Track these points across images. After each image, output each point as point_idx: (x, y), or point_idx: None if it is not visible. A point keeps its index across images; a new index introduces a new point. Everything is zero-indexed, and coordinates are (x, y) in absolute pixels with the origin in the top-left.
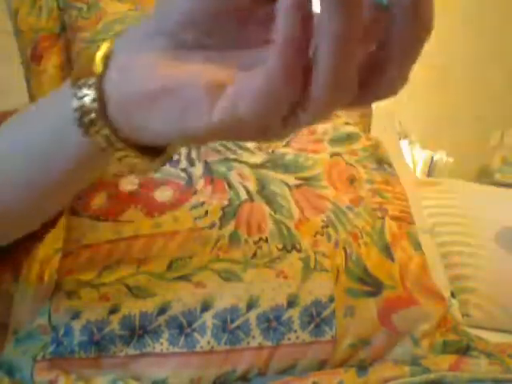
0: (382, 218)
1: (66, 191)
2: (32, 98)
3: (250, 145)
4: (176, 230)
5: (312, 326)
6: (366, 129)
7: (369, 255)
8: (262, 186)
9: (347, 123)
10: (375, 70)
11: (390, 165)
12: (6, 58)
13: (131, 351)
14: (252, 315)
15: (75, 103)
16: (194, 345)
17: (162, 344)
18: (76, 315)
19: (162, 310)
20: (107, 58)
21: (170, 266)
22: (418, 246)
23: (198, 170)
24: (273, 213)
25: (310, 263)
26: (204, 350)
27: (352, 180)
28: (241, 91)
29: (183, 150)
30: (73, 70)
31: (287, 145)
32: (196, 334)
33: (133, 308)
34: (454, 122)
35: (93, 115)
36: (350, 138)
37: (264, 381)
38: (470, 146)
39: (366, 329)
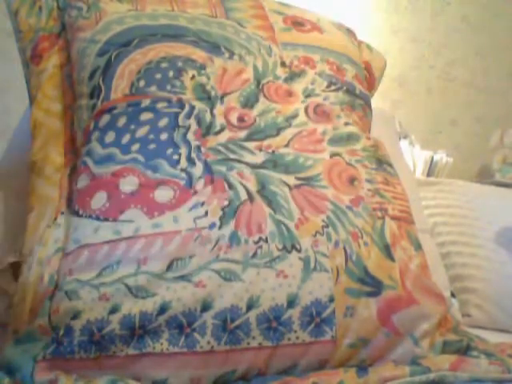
0: (382, 217)
1: None
2: (32, 97)
3: (251, 145)
4: (176, 230)
5: (312, 326)
6: (366, 129)
7: (369, 255)
8: (262, 186)
9: (347, 123)
10: None
11: (390, 165)
12: (5, 58)
13: (131, 351)
14: (252, 315)
15: None
16: (194, 345)
17: (162, 344)
18: (76, 315)
19: (162, 310)
20: None
21: (170, 266)
22: (418, 246)
23: (198, 169)
24: (273, 213)
25: (310, 263)
26: (204, 350)
27: (352, 180)
28: None
29: (183, 150)
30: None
31: (287, 145)
32: (196, 334)
33: (133, 308)
34: (453, 122)
35: None
36: (350, 138)
37: (264, 381)
38: (469, 146)
39: (366, 329)
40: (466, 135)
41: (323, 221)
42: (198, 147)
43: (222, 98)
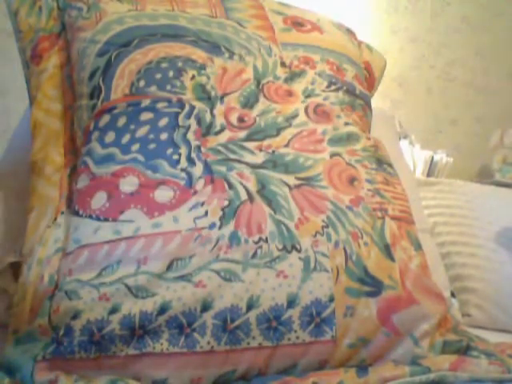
0: (382, 218)
1: None
2: (32, 97)
3: (251, 145)
4: (176, 230)
5: (312, 325)
6: (366, 129)
7: (369, 255)
8: (262, 186)
9: (347, 123)
10: None
11: (390, 165)
12: (5, 58)
13: (131, 351)
14: (252, 315)
15: None
16: (194, 345)
17: (162, 344)
18: (76, 315)
19: (162, 310)
20: None
21: (170, 266)
22: (418, 246)
23: (198, 169)
24: (273, 213)
25: (310, 263)
26: (204, 350)
27: (352, 180)
28: None
29: (183, 150)
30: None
31: (287, 145)
32: (196, 334)
33: (133, 308)
34: (453, 122)
35: None
36: (350, 138)
37: (264, 381)
38: (470, 146)
39: (366, 329)
40: (466, 135)
41: (323, 221)
42: (198, 147)
43: (222, 98)
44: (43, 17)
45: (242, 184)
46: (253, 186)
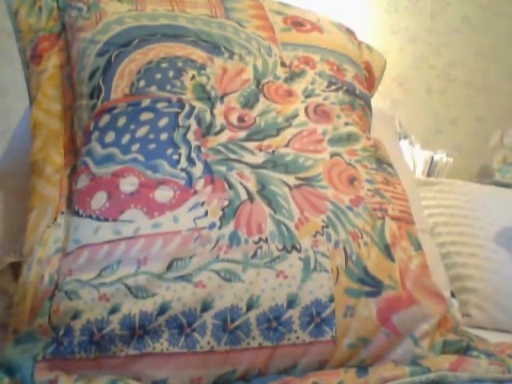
0: (382, 218)
1: None
2: (32, 98)
3: (251, 145)
4: (176, 230)
5: (312, 326)
6: (366, 129)
7: (369, 255)
8: (262, 186)
9: (347, 123)
10: None
11: (390, 165)
12: (5, 58)
13: (131, 351)
14: (252, 315)
15: None
16: (194, 345)
17: (162, 344)
18: (76, 315)
19: (162, 310)
20: None
21: (170, 266)
22: (418, 246)
23: (197, 169)
24: (273, 213)
25: (310, 263)
26: (204, 350)
27: (352, 180)
28: None
29: (183, 150)
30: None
31: (287, 145)
32: (196, 334)
33: (133, 308)
34: (453, 122)
35: None
36: (350, 138)
37: (264, 381)
38: (470, 146)
39: (366, 329)
40: (466, 135)
41: (323, 221)
42: (198, 147)
43: (222, 98)
44: (43, 17)
45: (242, 184)
46: (253, 186)
